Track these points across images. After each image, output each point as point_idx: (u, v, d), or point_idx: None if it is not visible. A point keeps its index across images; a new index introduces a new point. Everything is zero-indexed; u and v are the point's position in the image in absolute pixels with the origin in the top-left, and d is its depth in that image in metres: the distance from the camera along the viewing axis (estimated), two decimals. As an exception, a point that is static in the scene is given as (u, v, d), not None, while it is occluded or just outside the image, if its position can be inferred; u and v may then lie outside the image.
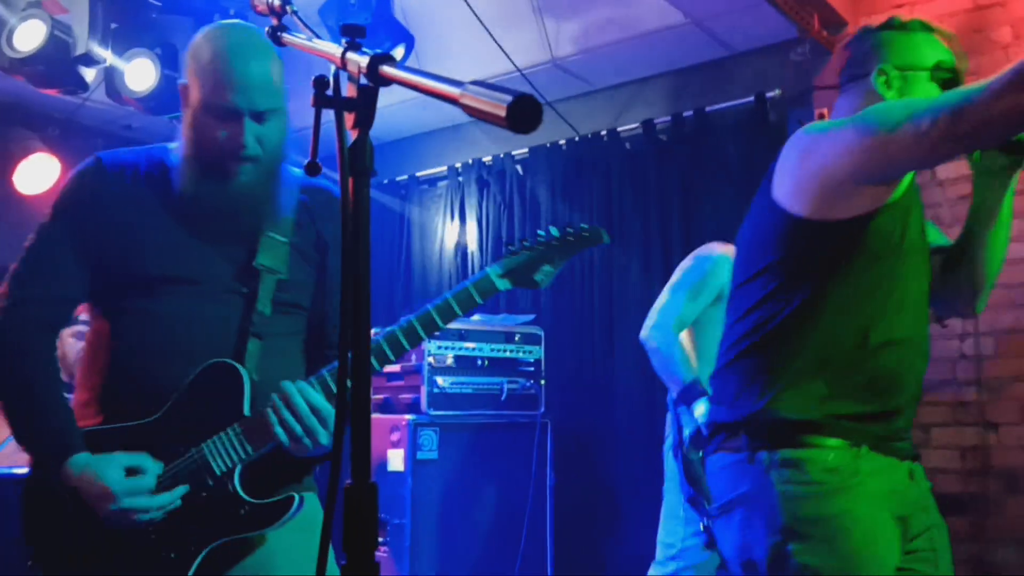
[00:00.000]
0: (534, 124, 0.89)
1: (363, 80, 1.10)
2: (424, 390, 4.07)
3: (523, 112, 0.89)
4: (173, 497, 1.70)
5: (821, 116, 4.26)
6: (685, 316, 3.23)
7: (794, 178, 1.85)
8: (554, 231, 2.01)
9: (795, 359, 1.83)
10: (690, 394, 3.07)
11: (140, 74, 3.93)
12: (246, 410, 1.75)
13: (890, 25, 2.00)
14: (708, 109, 4.68)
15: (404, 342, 1.80)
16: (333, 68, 1.17)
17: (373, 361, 1.76)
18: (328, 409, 1.70)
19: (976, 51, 4.00)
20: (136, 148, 1.94)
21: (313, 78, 1.14)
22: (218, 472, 1.73)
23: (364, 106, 1.10)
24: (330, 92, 1.12)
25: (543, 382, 4.49)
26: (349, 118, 1.11)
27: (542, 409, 4.44)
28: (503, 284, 1.92)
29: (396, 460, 3.93)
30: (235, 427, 1.74)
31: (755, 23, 4.31)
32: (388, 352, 1.79)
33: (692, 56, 4.75)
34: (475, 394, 4.23)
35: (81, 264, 1.82)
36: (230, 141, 1.76)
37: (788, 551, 1.74)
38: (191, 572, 1.70)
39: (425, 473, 3.97)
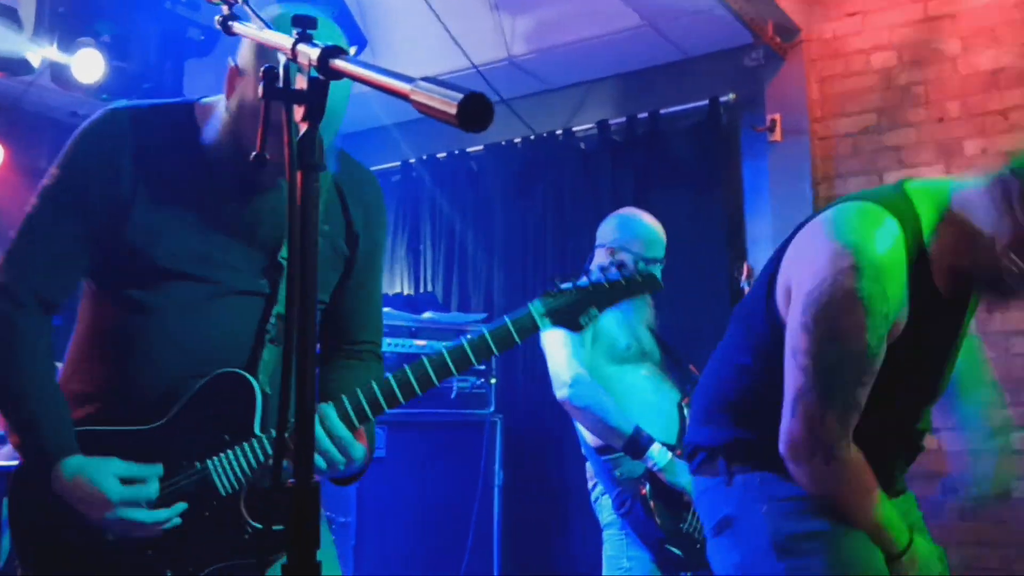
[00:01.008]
0: (485, 123, 0.87)
1: (313, 73, 1.08)
2: (373, 387, 4.04)
3: (474, 110, 0.87)
4: (172, 513, 1.57)
5: (773, 122, 4.32)
6: (586, 363, 3.11)
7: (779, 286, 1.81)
8: (605, 275, 1.83)
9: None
10: (638, 444, 2.96)
11: (87, 66, 3.83)
12: (256, 429, 1.63)
13: None
14: (662, 112, 4.72)
15: (433, 375, 1.69)
16: (283, 59, 1.14)
17: (397, 392, 1.67)
18: (349, 438, 1.61)
19: (925, 61, 4.08)
20: (156, 103, 1.73)
21: (262, 69, 1.11)
22: (223, 493, 1.61)
23: (314, 99, 1.07)
24: (280, 84, 1.10)
25: (493, 381, 4.48)
26: (299, 111, 1.08)
27: (492, 407, 4.43)
28: (545, 324, 1.76)
29: (343, 457, 3.89)
30: (244, 446, 1.62)
31: (710, 27, 4.35)
32: (415, 385, 1.68)
33: (647, 58, 4.78)
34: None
35: (88, 238, 1.62)
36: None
37: (781, 569, 1.73)
38: None
39: (372, 471, 3.90)
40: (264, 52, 1.54)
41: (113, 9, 3.86)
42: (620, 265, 1.85)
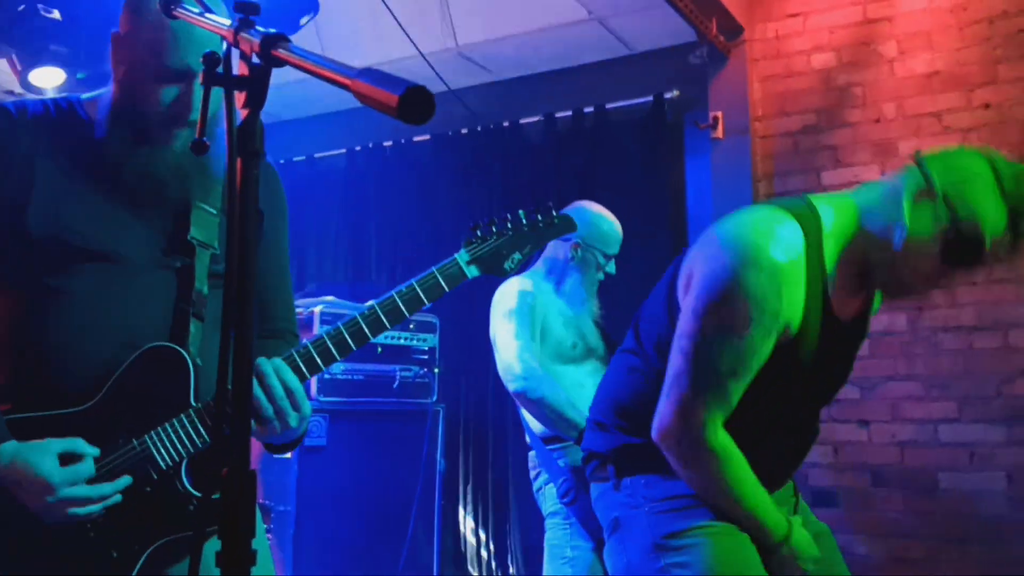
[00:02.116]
0: (426, 116, 0.88)
1: (255, 59, 1.07)
2: (314, 376, 4.01)
3: (415, 102, 0.88)
4: (115, 488, 1.54)
5: (715, 119, 4.38)
6: (537, 355, 3.11)
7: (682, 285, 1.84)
8: (524, 218, 1.88)
9: None
10: None
11: (46, 77, 3.81)
12: (192, 399, 1.62)
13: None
14: (608, 106, 4.76)
15: (367, 330, 1.70)
16: (225, 45, 1.14)
17: (332, 349, 1.67)
18: (300, 390, 1.61)
19: (863, 63, 4.18)
20: (43, 99, 1.73)
21: (203, 55, 1.11)
22: (163, 466, 1.59)
23: (255, 86, 1.07)
24: (220, 70, 1.09)
25: (437, 370, 4.49)
26: (240, 97, 1.08)
27: (434, 397, 4.44)
28: (472, 271, 1.81)
29: (283, 446, 3.86)
30: (181, 418, 1.60)
31: (655, 24, 4.40)
32: (350, 341, 1.69)
33: (594, 53, 4.82)
34: (367, 381, 4.19)
35: None
36: (174, 105, 1.60)
37: (659, 567, 1.78)
38: (135, 572, 1.56)
39: (313, 460, 3.92)
40: (146, 25, 1.59)
41: (67, 28, 3.79)
42: (539, 210, 1.90)
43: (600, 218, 3.33)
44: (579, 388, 3.18)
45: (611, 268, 3.36)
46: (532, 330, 3.14)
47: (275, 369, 1.60)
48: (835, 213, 1.76)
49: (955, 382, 3.86)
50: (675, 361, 1.73)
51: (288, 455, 3.85)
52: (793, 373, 1.77)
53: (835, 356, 1.84)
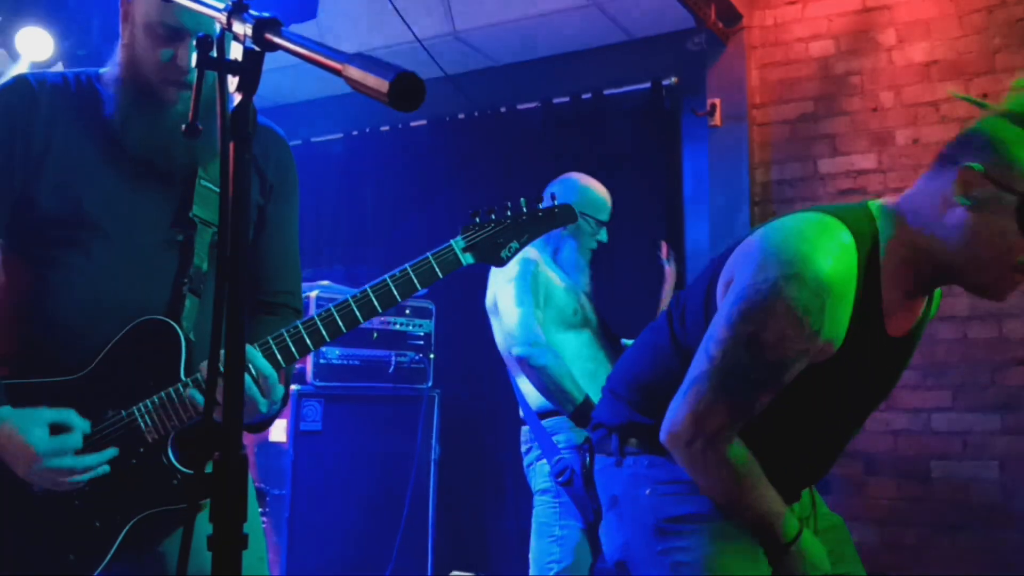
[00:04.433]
0: (416, 102, 0.88)
1: (248, 43, 1.07)
2: (310, 360, 4.02)
3: (405, 90, 0.88)
4: (101, 459, 1.56)
5: (713, 106, 4.38)
6: (541, 323, 3.11)
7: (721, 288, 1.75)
8: (525, 207, 1.85)
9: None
10: (586, 413, 2.92)
11: (33, 43, 3.77)
12: (182, 373, 1.63)
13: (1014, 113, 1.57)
14: (606, 92, 4.75)
15: (358, 313, 1.68)
16: (218, 28, 1.14)
17: (323, 330, 1.66)
18: (274, 377, 1.61)
19: (861, 52, 4.17)
20: (63, 71, 1.77)
21: (197, 38, 1.11)
22: (150, 439, 1.61)
23: (248, 70, 1.07)
24: (214, 53, 1.09)
25: (432, 356, 4.50)
26: (233, 81, 1.08)
27: (430, 383, 4.45)
28: (467, 259, 1.77)
29: (278, 431, 3.87)
30: (170, 391, 1.61)
31: (654, 10, 4.39)
32: (340, 323, 1.67)
33: (592, 39, 4.80)
34: (362, 366, 4.20)
35: (3, 199, 1.64)
36: (172, 63, 1.61)
37: (659, 550, 1.74)
38: (116, 543, 1.58)
39: (308, 444, 3.93)
40: None
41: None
42: (539, 200, 1.87)
43: (588, 188, 3.40)
44: (574, 359, 3.18)
45: (603, 236, 3.40)
46: (536, 297, 3.15)
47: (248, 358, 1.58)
48: (886, 216, 1.66)
49: (949, 371, 3.87)
50: (699, 364, 1.64)
51: (282, 440, 3.86)
52: (832, 390, 1.69)
53: (881, 372, 1.77)
